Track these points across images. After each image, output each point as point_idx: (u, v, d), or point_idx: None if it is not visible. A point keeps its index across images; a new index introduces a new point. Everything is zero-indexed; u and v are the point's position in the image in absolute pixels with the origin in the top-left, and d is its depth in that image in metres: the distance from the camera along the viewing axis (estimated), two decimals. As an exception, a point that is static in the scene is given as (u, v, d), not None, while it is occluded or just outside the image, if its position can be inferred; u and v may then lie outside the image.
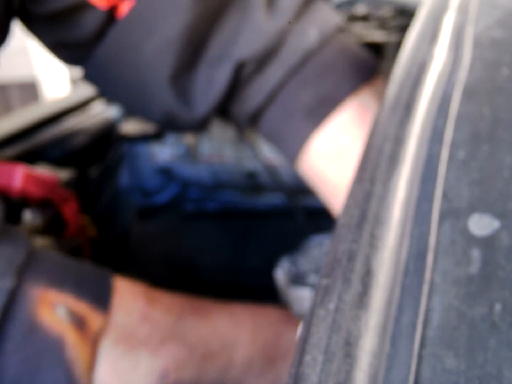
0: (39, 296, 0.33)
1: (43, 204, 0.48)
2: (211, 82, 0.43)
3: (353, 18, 0.62)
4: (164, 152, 0.69)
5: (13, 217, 0.46)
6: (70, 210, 0.50)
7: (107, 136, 0.68)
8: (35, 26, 0.44)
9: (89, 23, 0.41)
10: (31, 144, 0.57)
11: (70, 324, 0.33)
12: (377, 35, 0.58)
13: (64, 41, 0.44)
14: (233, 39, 0.42)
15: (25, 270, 0.33)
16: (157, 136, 0.68)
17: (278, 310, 0.44)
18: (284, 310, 0.45)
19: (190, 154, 0.68)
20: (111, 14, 0.41)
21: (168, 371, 0.36)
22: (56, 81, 2.14)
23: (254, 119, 0.45)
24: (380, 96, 0.42)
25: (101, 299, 0.35)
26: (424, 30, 0.28)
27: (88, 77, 0.46)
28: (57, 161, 0.59)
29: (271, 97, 0.43)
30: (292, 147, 0.43)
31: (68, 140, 0.62)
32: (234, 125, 0.49)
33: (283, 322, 0.43)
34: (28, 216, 0.46)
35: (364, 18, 0.61)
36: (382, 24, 0.60)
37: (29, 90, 2.24)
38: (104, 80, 0.46)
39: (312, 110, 0.42)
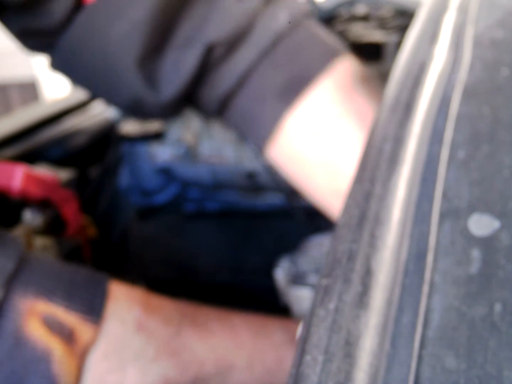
0: (28, 307, 0.32)
1: (43, 204, 0.48)
2: (179, 65, 0.42)
3: (353, 18, 0.62)
4: (164, 152, 0.69)
5: (13, 217, 0.46)
6: (70, 210, 0.50)
7: (107, 136, 0.68)
8: (3, 15, 0.43)
9: (57, 10, 0.40)
10: (31, 144, 0.57)
11: (58, 337, 0.32)
12: (377, 35, 0.58)
13: (32, 29, 0.43)
14: (202, 22, 0.41)
15: (15, 279, 0.32)
16: (157, 136, 0.68)
17: (285, 330, 0.42)
18: (292, 327, 0.42)
19: (190, 154, 0.68)
20: (78, 0, 0.40)
21: None
22: (56, 81, 2.14)
23: (224, 105, 0.44)
24: (351, 76, 0.42)
25: (93, 308, 0.34)
26: (424, 30, 0.29)
27: (55, 65, 0.45)
28: (57, 161, 0.59)
29: (242, 81, 0.42)
30: (265, 130, 0.43)
31: (68, 140, 0.62)
32: (201, 114, 0.48)
33: (288, 345, 0.41)
34: (28, 216, 0.46)
35: (364, 18, 0.61)
36: (382, 24, 0.60)
37: (29, 90, 2.24)
38: (71, 66, 0.45)
39: (284, 90, 0.41)
